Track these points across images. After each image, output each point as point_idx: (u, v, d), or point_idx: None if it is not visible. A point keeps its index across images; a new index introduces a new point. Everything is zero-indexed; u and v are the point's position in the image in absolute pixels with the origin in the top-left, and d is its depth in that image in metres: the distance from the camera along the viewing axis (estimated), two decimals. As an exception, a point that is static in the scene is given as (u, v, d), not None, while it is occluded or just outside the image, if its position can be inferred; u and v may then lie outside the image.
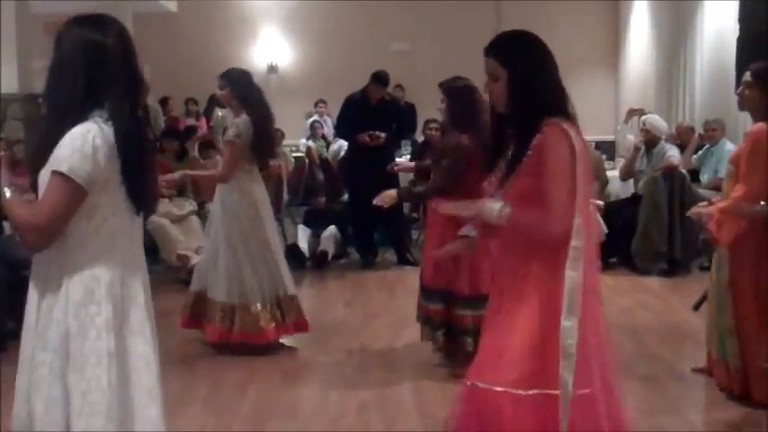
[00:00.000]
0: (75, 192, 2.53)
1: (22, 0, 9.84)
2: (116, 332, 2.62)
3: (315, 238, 9.41)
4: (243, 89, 5.99)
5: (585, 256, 2.85)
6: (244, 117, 5.88)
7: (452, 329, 5.45)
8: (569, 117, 2.92)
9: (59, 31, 2.69)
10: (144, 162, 2.70)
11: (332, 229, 9.42)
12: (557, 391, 2.79)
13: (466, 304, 5.32)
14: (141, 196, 2.69)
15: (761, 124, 4.70)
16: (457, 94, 5.38)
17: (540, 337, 2.85)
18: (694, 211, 5.04)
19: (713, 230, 4.76)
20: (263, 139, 6.00)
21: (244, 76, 6.09)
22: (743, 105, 4.94)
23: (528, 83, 2.91)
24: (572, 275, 2.80)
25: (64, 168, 2.51)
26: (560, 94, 2.96)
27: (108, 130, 2.59)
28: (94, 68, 2.62)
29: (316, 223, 9.64)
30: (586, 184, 2.88)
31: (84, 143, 2.53)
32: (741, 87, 4.90)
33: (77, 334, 2.58)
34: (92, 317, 2.59)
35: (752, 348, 4.79)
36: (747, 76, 4.87)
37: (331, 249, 9.39)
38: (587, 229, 2.86)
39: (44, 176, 2.59)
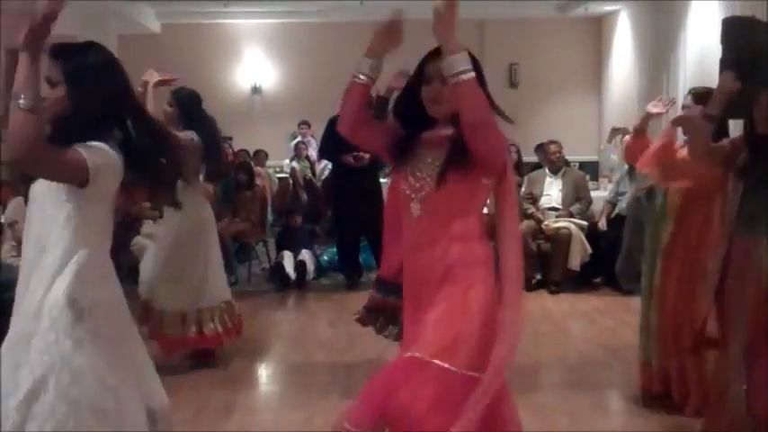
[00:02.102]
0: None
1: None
2: None
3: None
4: (189, 110, 5.96)
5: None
6: (190, 133, 5.81)
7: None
8: None
9: (60, 56, 2.78)
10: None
11: (305, 254, 9.33)
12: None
13: None
14: None
15: None
16: None
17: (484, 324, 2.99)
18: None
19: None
20: (213, 160, 6.07)
21: (192, 97, 6.07)
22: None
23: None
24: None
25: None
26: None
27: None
28: (123, 84, 2.90)
29: (287, 242, 9.60)
30: None
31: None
32: (682, 109, 5.11)
33: None
34: None
35: (672, 347, 4.96)
36: (687, 98, 5.06)
37: (310, 270, 9.33)
38: None
39: (39, 188, 2.80)
